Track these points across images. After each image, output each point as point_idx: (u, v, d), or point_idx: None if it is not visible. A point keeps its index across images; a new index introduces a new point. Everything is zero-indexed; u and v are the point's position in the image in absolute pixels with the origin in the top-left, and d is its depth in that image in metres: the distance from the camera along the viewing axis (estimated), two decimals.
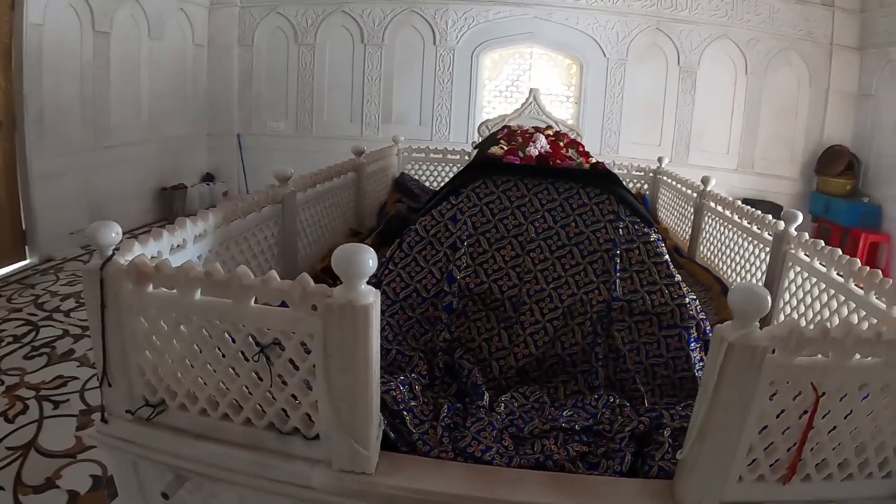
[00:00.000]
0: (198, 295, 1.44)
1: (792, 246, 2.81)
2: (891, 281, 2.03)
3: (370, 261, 1.34)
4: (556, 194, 2.22)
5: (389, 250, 2.26)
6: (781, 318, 2.85)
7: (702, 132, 7.28)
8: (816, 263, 2.57)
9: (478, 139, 5.19)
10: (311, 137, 7.31)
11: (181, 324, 1.48)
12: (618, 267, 2.16)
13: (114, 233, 1.52)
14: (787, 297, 2.84)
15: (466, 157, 5.25)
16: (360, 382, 1.41)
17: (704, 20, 6.91)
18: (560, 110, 7.62)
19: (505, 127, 3.97)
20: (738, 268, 3.35)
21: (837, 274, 2.38)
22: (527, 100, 5.12)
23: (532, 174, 2.23)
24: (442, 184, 5.27)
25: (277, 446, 1.52)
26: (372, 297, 1.37)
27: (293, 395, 1.48)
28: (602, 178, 2.27)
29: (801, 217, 2.84)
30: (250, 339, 1.43)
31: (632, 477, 1.58)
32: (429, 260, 2.14)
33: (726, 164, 7.22)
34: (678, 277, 2.23)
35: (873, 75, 6.60)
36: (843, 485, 1.47)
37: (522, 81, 7.58)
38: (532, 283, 2.13)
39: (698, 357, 2.14)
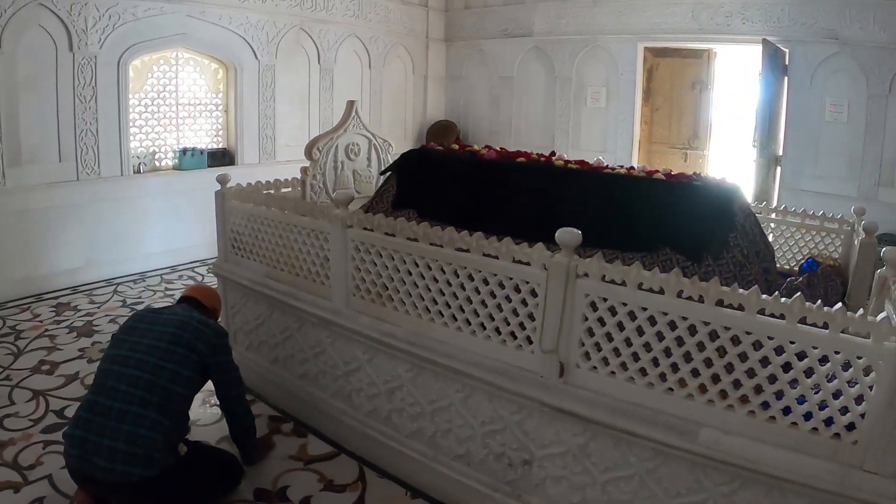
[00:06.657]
0: None
1: None
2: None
3: None
4: None
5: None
6: None
7: None
8: None
9: (321, 162, 4.52)
10: None
11: None
12: None
13: None
14: None
15: (298, 188, 4.41)
16: None
17: (338, 20, 7.48)
18: (209, 121, 6.89)
19: (486, 148, 3.87)
20: None
21: None
22: (349, 114, 4.75)
23: None
24: None
25: None
26: None
27: None
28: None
29: None
30: None
31: None
32: None
33: None
34: None
35: (462, 62, 8.75)
36: None
37: (169, 92, 6.44)
38: None
39: None
